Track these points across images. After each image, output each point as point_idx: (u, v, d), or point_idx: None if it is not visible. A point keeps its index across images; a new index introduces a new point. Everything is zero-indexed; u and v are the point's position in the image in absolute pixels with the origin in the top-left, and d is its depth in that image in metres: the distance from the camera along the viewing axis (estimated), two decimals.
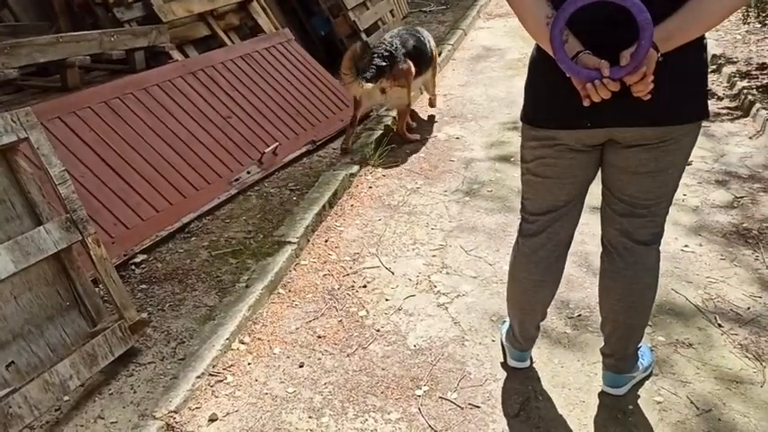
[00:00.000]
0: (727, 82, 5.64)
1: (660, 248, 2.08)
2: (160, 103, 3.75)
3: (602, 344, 2.30)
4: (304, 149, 4.31)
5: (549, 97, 1.89)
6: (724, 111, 5.10)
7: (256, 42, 4.72)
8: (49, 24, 4.37)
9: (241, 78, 4.33)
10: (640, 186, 1.93)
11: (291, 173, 4.09)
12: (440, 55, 6.76)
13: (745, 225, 3.41)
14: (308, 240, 3.35)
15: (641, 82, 1.63)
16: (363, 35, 6.14)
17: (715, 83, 5.75)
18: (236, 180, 3.77)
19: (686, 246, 3.23)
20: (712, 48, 6.47)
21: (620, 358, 2.26)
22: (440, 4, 9.83)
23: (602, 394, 2.33)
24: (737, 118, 4.93)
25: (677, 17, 1.63)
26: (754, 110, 4.85)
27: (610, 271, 2.12)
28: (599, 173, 2.04)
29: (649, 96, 1.67)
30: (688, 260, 3.11)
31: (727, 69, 5.82)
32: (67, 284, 2.37)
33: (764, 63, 5.86)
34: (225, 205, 3.65)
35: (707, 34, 1.76)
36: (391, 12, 7.24)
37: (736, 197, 3.70)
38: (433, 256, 3.23)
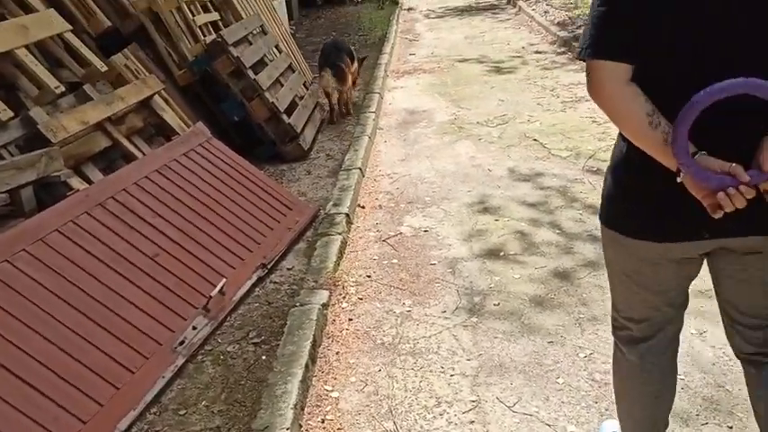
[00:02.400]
0: None
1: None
2: (64, 256, 2.80)
3: None
4: (255, 278, 3.45)
5: (653, 207, 1.59)
6: None
7: (172, 148, 3.84)
8: None
9: (162, 199, 3.43)
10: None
11: (247, 316, 3.20)
12: (364, 124, 6.13)
13: None
14: (300, 426, 2.48)
15: None
16: (285, 116, 5.36)
17: None
18: (182, 343, 2.86)
19: None
20: None
21: None
22: None
23: None
24: None
25: None
26: None
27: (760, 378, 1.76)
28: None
29: None
30: None
31: None
32: None
33: None
34: (173, 383, 2.72)
35: None
36: (304, 84, 6.51)
37: None
38: (471, 422, 2.45)
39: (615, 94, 1.48)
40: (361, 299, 3.36)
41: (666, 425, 1.99)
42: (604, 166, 4.68)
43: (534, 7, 12.94)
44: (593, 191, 4.45)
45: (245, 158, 5.40)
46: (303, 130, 5.61)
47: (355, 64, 6.80)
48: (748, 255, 1.57)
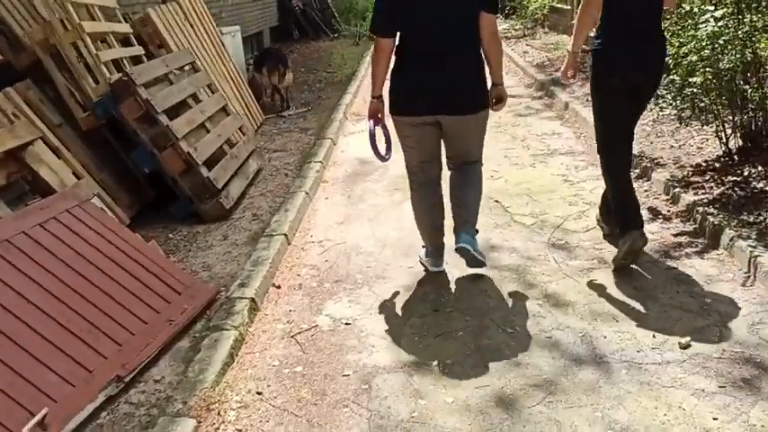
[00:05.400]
0: (667, 194, 4.56)
1: None
2: None
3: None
4: (102, 398, 2.61)
5: (407, 99, 3.30)
6: (683, 239, 3.94)
7: (23, 217, 3.03)
8: None
9: None
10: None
11: None
12: (305, 177, 5.36)
13: None
14: None
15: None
16: (204, 170, 4.57)
17: (651, 195, 4.66)
18: None
19: None
20: None
21: (472, 224, 3.58)
22: (300, 105, 8.53)
23: None
24: (705, 250, 3.77)
25: (494, 67, 3.34)
26: (725, 239, 3.72)
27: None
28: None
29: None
30: None
31: (659, 175, 4.77)
32: None
33: (700, 164, 4.87)
34: None
35: None
36: (240, 129, 5.74)
37: None
38: None
39: (383, 54, 3.25)
40: (240, 430, 2.53)
41: (443, 231, 3.65)
42: (573, 240, 3.88)
43: (514, 47, 12.40)
44: (557, 272, 3.67)
45: (159, 215, 4.65)
46: (228, 183, 4.83)
47: None
48: (453, 124, 3.31)
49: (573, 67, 3.66)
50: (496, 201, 4.83)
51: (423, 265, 3.75)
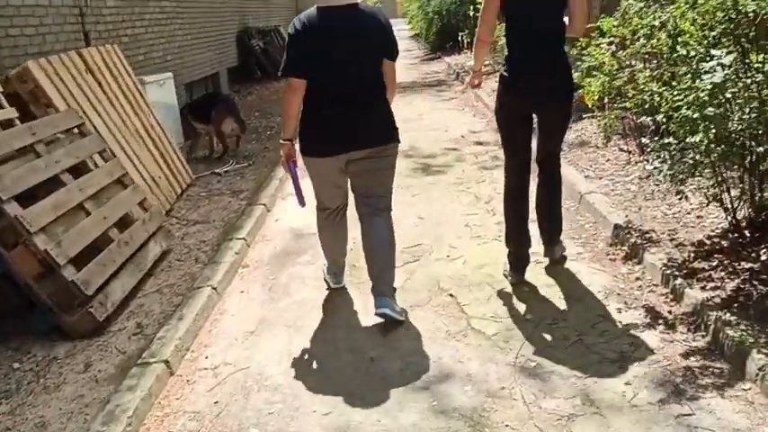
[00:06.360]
0: (666, 286, 3.56)
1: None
2: None
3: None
4: None
5: (318, 141, 3.37)
6: (694, 361, 2.93)
7: None
8: None
9: None
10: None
11: None
12: (218, 263, 4.32)
13: None
14: None
15: None
16: (68, 271, 3.51)
17: (645, 287, 3.66)
18: None
19: None
20: (609, 213, 4.51)
21: (390, 284, 3.53)
22: (242, 159, 7.52)
23: None
24: (726, 382, 2.76)
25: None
26: (752, 366, 2.73)
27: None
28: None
29: None
30: None
31: (653, 258, 3.78)
32: None
33: (703, 242, 3.89)
34: None
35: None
36: (142, 203, 4.67)
37: None
38: None
39: (295, 94, 3.29)
40: None
41: (345, 254, 3.90)
42: (548, 359, 3.03)
43: (482, 84, 11.47)
44: (526, 423, 2.65)
45: (20, 328, 3.61)
46: (108, 283, 3.76)
47: None
48: (365, 159, 3.35)
49: (478, 78, 4.08)
50: (451, 295, 3.81)
51: (326, 282, 4.04)
